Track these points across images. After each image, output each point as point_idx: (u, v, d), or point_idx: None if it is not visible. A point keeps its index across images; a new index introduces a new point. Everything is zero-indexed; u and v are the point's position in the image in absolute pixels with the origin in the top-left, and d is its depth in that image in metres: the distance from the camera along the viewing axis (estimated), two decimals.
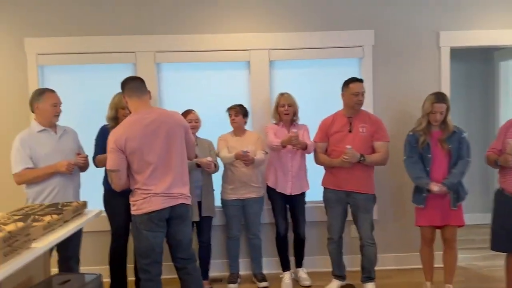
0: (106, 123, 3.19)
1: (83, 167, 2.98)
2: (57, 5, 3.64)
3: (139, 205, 2.43)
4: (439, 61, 3.77)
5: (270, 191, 3.45)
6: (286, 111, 3.37)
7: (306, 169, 3.45)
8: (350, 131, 3.17)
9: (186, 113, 3.40)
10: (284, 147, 3.28)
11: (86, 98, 3.73)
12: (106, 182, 3.26)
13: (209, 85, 3.79)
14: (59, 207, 2.32)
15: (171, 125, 2.53)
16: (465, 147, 3.00)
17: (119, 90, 3.25)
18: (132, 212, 2.49)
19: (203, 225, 3.36)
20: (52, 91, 2.91)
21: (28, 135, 2.81)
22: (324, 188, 3.30)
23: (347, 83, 3.23)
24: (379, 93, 3.73)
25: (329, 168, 3.26)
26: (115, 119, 3.19)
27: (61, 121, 3.04)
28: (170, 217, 2.49)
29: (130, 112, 2.59)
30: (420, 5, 3.72)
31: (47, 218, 2.04)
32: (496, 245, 2.84)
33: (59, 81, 3.67)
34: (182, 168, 2.56)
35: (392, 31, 3.75)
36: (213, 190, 3.43)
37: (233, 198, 3.40)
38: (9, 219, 1.91)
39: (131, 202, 2.49)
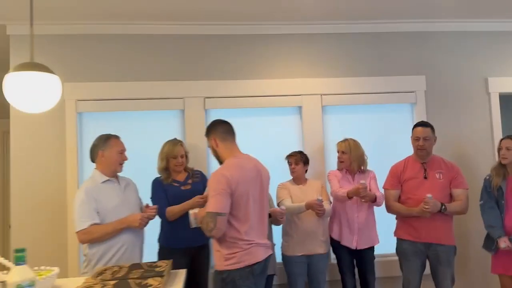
0: (154, 173, 3.01)
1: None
2: (99, 50, 3.45)
3: (239, 257, 2.13)
4: (489, 107, 3.76)
5: (335, 245, 3.18)
6: (340, 159, 3.19)
7: (375, 221, 3.21)
8: (425, 178, 3.00)
9: None
10: (350, 198, 3.06)
11: (128, 147, 3.44)
12: (162, 239, 2.94)
13: (260, 131, 3.60)
14: (147, 267, 1.98)
15: (265, 174, 2.38)
16: None
17: (164, 138, 3.08)
18: (227, 267, 2.15)
19: (266, 284, 3.00)
20: (117, 137, 2.64)
21: (93, 186, 2.47)
22: (399, 239, 3.06)
23: (413, 127, 3.11)
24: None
25: (404, 217, 3.04)
26: (166, 169, 2.93)
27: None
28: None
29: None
30: (469, 52, 3.76)
31: (153, 282, 1.69)
32: None
33: (98, 128, 3.38)
34: (266, 218, 2.36)
35: (443, 76, 3.74)
36: (274, 244, 3.12)
37: (299, 254, 3.08)
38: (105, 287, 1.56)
39: (225, 256, 2.15)
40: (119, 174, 2.63)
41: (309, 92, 3.58)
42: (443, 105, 3.72)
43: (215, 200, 2.10)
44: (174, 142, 3.03)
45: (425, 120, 3.62)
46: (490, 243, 2.96)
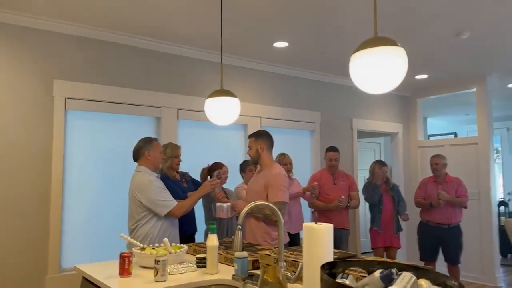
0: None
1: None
2: (91, 54, 3.62)
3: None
4: (352, 139, 5.57)
5: None
6: (288, 169, 4.35)
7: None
8: (334, 184, 4.45)
9: (221, 165, 3.92)
10: (304, 193, 4.30)
11: (106, 146, 3.69)
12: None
13: (216, 142, 4.37)
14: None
15: None
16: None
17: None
18: (275, 245, 2.96)
19: None
20: (157, 139, 3.05)
21: (154, 178, 2.88)
22: None
23: (326, 150, 4.53)
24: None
25: (322, 210, 4.38)
26: (169, 167, 3.46)
27: (84, 166, 3.48)
28: None
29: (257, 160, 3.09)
30: (341, 98, 5.47)
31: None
32: (423, 256, 4.60)
33: (82, 127, 3.57)
34: None
35: (329, 114, 5.34)
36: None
37: None
38: None
39: (273, 236, 2.97)
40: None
41: (252, 114, 4.59)
42: (329, 133, 5.31)
43: (283, 193, 2.89)
44: (175, 145, 3.56)
45: (318, 142, 5.14)
46: (377, 223, 4.55)
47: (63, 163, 3.40)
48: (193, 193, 3.06)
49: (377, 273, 1.25)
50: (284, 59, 4.61)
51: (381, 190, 4.61)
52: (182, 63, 4.14)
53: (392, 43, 1.39)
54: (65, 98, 3.44)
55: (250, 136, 3.14)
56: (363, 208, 5.09)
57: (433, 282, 1.22)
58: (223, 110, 2.30)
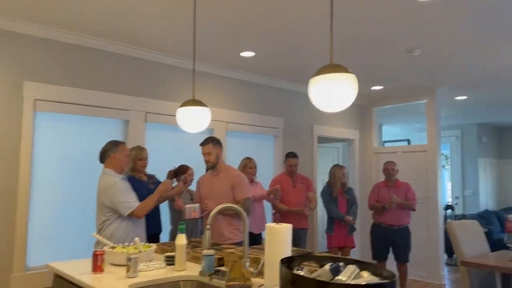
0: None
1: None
2: (61, 56, 3.68)
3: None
4: (312, 144, 5.86)
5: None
6: (253, 172, 4.56)
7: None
8: (294, 187, 4.71)
9: (187, 168, 4.07)
10: (269, 195, 4.49)
11: (75, 147, 3.76)
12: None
13: (183, 145, 4.51)
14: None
15: None
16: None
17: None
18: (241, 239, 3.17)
19: None
20: (124, 143, 3.17)
21: (118, 179, 2.97)
22: None
23: (287, 156, 4.78)
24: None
25: (283, 212, 4.62)
26: (132, 169, 3.60)
27: (52, 166, 3.57)
28: None
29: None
30: (303, 106, 5.75)
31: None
32: (375, 256, 4.94)
33: (51, 128, 3.63)
34: None
35: (291, 121, 5.61)
36: None
37: None
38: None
39: (241, 229, 3.24)
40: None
41: (219, 119, 4.77)
42: (291, 139, 5.58)
43: (249, 190, 3.25)
44: (140, 147, 3.68)
45: (281, 147, 5.39)
46: (330, 226, 4.85)
47: (30, 163, 3.44)
48: (153, 193, 3.14)
49: (327, 266, 1.47)
50: (250, 67, 4.82)
51: (336, 192, 4.91)
52: (151, 68, 4.26)
53: (345, 70, 1.63)
54: (35, 100, 3.49)
55: (206, 143, 3.34)
56: (321, 210, 5.37)
57: (373, 273, 1.46)
58: (194, 119, 2.48)
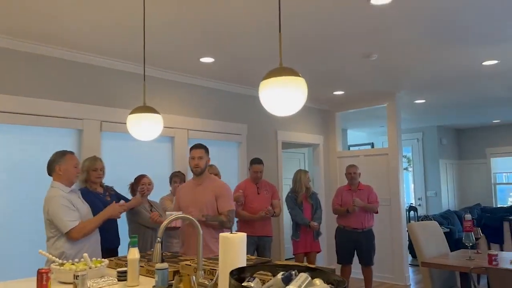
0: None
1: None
2: (7, 64, 3.48)
3: None
4: (277, 150, 5.84)
5: None
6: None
7: None
8: (258, 193, 4.65)
9: (140, 177, 3.96)
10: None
11: (23, 160, 3.57)
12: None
13: (139, 153, 4.38)
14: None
15: None
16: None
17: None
18: None
19: None
20: (72, 152, 3.02)
21: (63, 194, 2.80)
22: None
23: (251, 162, 4.73)
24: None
25: (246, 220, 4.54)
26: (86, 181, 3.45)
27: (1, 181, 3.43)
28: None
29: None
30: (266, 111, 5.73)
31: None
32: (340, 260, 4.94)
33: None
34: None
35: (256, 127, 5.57)
36: None
37: None
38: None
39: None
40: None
41: (180, 126, 4.66)
42: (255, 145, 5.53)
43: (233, 202, 3.20)
44: (95, 157, 3.53)
45: (245, 153, 5.34)
46: (295, 232, 4.82)
47: None
48: (98, 214, 2.97)
49: (280, 275, 1.42)
50: (211, 73, 4.75)
51: (301, 198, 4.90)
52: (105, 75, 4.12)
53: (293, 73, 1.59)
54: None
55: (200, 147, 3.23)
56: (287, 217, 5.35)
57: (325, 281, 1.42)
58: (145, 127, 2.38)
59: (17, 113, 3.49)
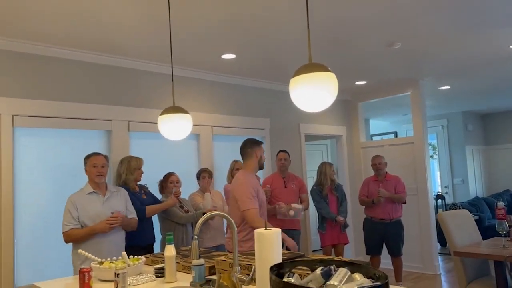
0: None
1: (126, 226, 3.15)
2: (37, 70, 3.59)
3: None
4: (300, 142, 5.84)
5: None
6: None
7: None
8: (285, 187, 4.67)
9: (169, 175, 4.03)
10: None
11: (57, 162, 3.68)
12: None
13: (166, 152, 4.44)
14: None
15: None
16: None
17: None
18: None
19: None
20: (96, 154, 3.11)
21: (78, 197, 2.99)
22: None
23: (277, 153, 4.75)
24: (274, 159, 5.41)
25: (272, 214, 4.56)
26: (131, 180, 3.55)
27: (34, 183, 3.50)
28: None
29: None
30: (288, 105, 5.73)
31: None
32: (369, 251, 4.93)
33: (31, 144, 3.54)
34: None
35: (278, 121, 5.58)
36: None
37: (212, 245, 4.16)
38: None
39: None
40: (111, 184, 3.14)
41: (204, 123, 4.71)
42: (279, 139, 5.55)
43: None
44: (137, 157, 3.62)
45: (269, 148, 5.35)
46: (321, 225, 4.83)
47: (12, 180, 3.35)
48: (90, 226, 2.96)
49: (319, 271, 1.43)
50: (232, 69, 4.78)
51: (326, 190, 4.89)
52: (131, 76, 4.19)
53: (324, 69, 1.60)
54: (13, 116, 3.40)
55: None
56: (313, 209, 5.36)
57: (365, 275, 1.43)
58: (176, 127, 2.43)
59: (48, 117, 3.60)
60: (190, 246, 3.03)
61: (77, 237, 2.91)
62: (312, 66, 1.58)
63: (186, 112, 2.51)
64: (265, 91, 5.46)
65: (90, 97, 3.88)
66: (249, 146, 3.16)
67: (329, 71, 1.62)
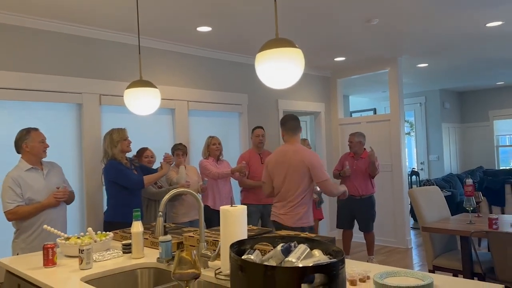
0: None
1: (68, 200, 3.15)
2: (2, 40, 3.43)
3: None
4: (278, 119, 5.81)
5: (209, 210, 4.35)
6: (217, 148, 4.48)
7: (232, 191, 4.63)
8: (262, 163, 4.67)
9: (143, 150, 3.98)
10: (232, 173, 4.39)
11: None
12: (107, 215, 3.45)
13: (140, 126, 4.37)
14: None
15: (292, 159, 3.26)
16: None
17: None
18: None
19: None
20: (36, 129, 3.03)
21: (18, 174, 2.89)
22: (247, 204, 4.59)
23: (252, 130, 4.73)
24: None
25: (251, 188, 4.58)
26: (120, 152, 3.46)
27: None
28: None
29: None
30: None
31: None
32: (339, 225, 5.03)
33: None
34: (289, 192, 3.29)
35: (256, 96, 5.53)
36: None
37: (186, 221, 4.15)
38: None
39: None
40: (44, 159, 3.06)
41: (179, 98, 4.63)
42: (256, 115, 5.51)
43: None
44: (120, 128, 3.53)
45: (246, 124, 5.33)
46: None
47: None
48: (39, 202, 2.94)
49: (279, 247, 1.44)
50: (209, 43, 4.67)
51: None
52: (102, 47, 4.06)
53: (290, 44, 1.56)
54: None
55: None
56: None
57: (324, 252, 1.44)
58: (143, 101, 2.37)
59: (15, 89, 3.47)
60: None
61: (24, 214, 2.85)
62: (278, 41, 1.54)
63: (153, 86, 2.44)
64: (243, 66, 5.38)
65: (59, 69, 3.75)
66: (298, 121, 3.39)
67: (295, 47, 1.58)
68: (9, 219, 2.86)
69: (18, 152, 2.97)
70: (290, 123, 3.38)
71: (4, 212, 2.83)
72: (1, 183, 2.90)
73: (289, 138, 3.38)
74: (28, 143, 2.93)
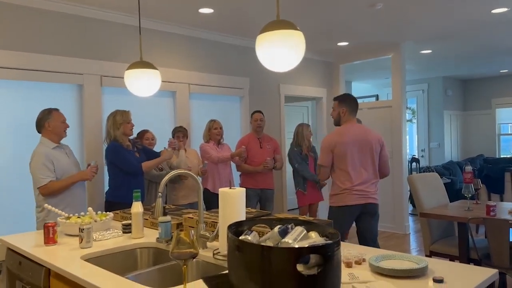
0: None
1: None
2: (4, 19, 3.40)
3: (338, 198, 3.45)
4: (280, 103, 5.80)
5: (209, 194, 4.38)
6: (218, 133, 4.49)
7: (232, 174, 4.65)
8: (261, 147, 4.68)
9: (144, 132, 3.99)
10: (232, 158, 4.41)
11: (25, 116, 3.57)
12: (108, 195, 3.48)
13: (141, 109, 4.36)
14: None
15: (368, 139, 3.37)
16: None
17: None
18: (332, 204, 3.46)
19: None
20: (58, 109, 3.09)
21: (48, 150, 2.97)
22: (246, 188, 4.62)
23: (252, 114, 4.72)
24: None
25: (249, 173, 4.60)
26: (122, 135, 3.45)
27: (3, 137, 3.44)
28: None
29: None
30: None
31: None
32: None
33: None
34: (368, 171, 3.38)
35: (258, 80, 5.50)
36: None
37: (186, 203, 4.19)
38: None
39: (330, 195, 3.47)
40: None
41: (181, 81, 4.62)
42: (258, 99, 5.49)
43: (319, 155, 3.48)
44: (124, 110, 3.51)
45: (248, 108, 5.32)
46: (303, 186, 4.89)
47: None
48: (70, 176, 3.05)
49: (276, 229, 1.46)
50: (211, 25, 4.63)
51: (305, 151, 4.93)
52: (103, 28, 4.03)
53: (291, 27, 1.54)
54: None
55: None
56: (290, 169, 5.41)
57: (321, 234, 1.46)
58: (143, 82, 2.36)
59: (16, 69, 3.46)
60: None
61: (55, 189, 2.94)
62: (278, 23, 1.53)
63: (154, 67, 2.44)
64: (245, 49, 5.34)
65: (60, 49, 3.73)
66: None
67: (296, 29, 1.57)
68: (43, 194, 2.92)
69: (39, 131, 3.05)
70: (355, 102, 3.44)
71: (38, 188, 2.90)
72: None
73: (352, 118, 3.44)
74: (51, 122, 3.01)
